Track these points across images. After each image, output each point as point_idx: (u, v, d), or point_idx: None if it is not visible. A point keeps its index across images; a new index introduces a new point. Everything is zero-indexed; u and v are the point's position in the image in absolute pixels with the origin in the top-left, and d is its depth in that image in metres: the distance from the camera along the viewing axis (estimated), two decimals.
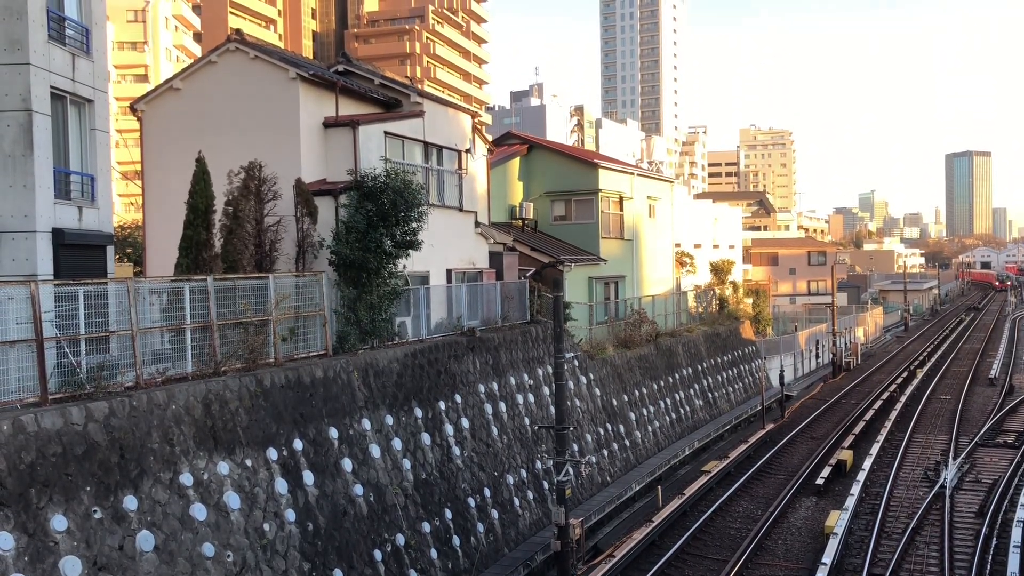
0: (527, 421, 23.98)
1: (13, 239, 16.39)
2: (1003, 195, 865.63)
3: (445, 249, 25.06)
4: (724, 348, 41.83)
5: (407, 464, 18.80)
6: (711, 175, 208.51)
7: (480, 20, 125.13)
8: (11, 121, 16.40)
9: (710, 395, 38.25)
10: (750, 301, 52.91)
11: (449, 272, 25.27)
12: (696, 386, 37.20)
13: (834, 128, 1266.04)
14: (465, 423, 21.37)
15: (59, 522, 11.49)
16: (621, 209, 37.92)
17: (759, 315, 53.40)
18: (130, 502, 12.54)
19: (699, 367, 38.17)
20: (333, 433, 17.02)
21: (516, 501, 22.04)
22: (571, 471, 19.82)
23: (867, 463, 27.48)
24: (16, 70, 16.41)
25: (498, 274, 27.72)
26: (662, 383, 34.04)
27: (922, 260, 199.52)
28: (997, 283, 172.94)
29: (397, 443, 18.73)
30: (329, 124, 22.72)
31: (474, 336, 22.97)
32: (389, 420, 18.78)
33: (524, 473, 22.89)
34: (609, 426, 28.72)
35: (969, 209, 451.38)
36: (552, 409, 23.73)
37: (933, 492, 24.71)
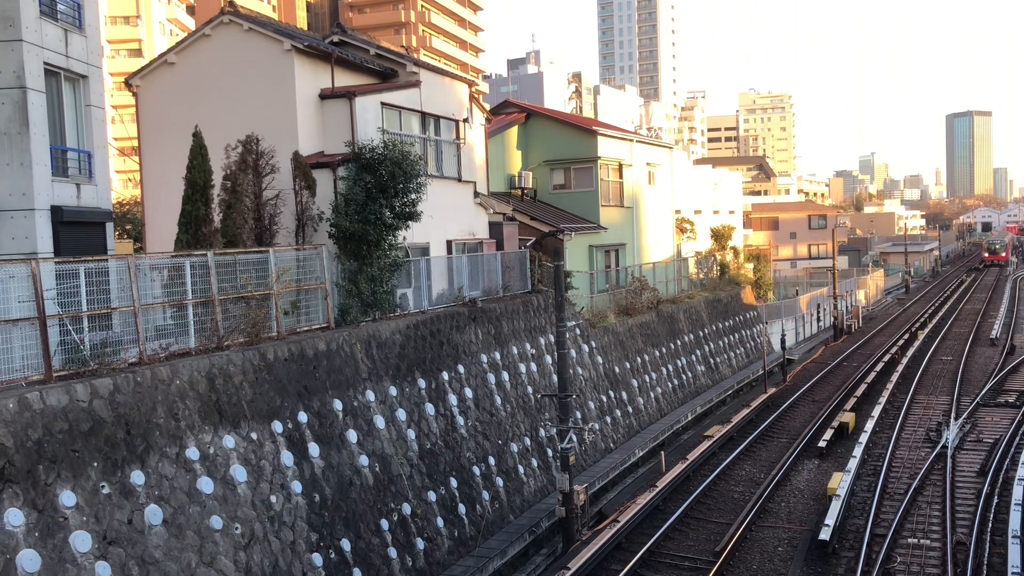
0: (530, 390, 24.08)
1: (12, 217, 16.36)
2: (1004, 155, 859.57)
3: (444, 220, 25.02)
4: (725, 314, 41.88)
5: (412, 434, 18.91)
6: (710, 140, 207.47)
7: None
8: (5, 98, 16.31)
9: (712, 360, 38.36)
10: (751, 266, 52.93)
11: (449, 243, 25.25)
12: (698, 352, 37.29)
13: (833, 90, 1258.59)
14: (468, 393, 21.46)
15: (68, 498, 11.58)
16: (621, 176, 37.79)
17: (760, 280, 53.44)
18: (137, 477, 12.64)
19: (700, 333, 38.24)
20: (337, 405, 17.10)
21: (520, 469, 22.19)
22: (575, 438, 19.97)
23: (869, 425, 27.64)
24: (9, 46, 16.29)
25: (498, 244, 27.69)
26: (664, 350, 34.13)
27: (923, 222, 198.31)
28: (986, 254, 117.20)
29: (401, 414, 18.83)
30: (325, 96, 22.59)
31: (475, 306, 23.00)
32: (393, 391, 18.87)
33: (528, 441, 23.03)
34: (612, 393, 28.84)
35: (970, 170, 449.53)
36: (555, 377, 23.81)
37: (935, 452, 24.85)
